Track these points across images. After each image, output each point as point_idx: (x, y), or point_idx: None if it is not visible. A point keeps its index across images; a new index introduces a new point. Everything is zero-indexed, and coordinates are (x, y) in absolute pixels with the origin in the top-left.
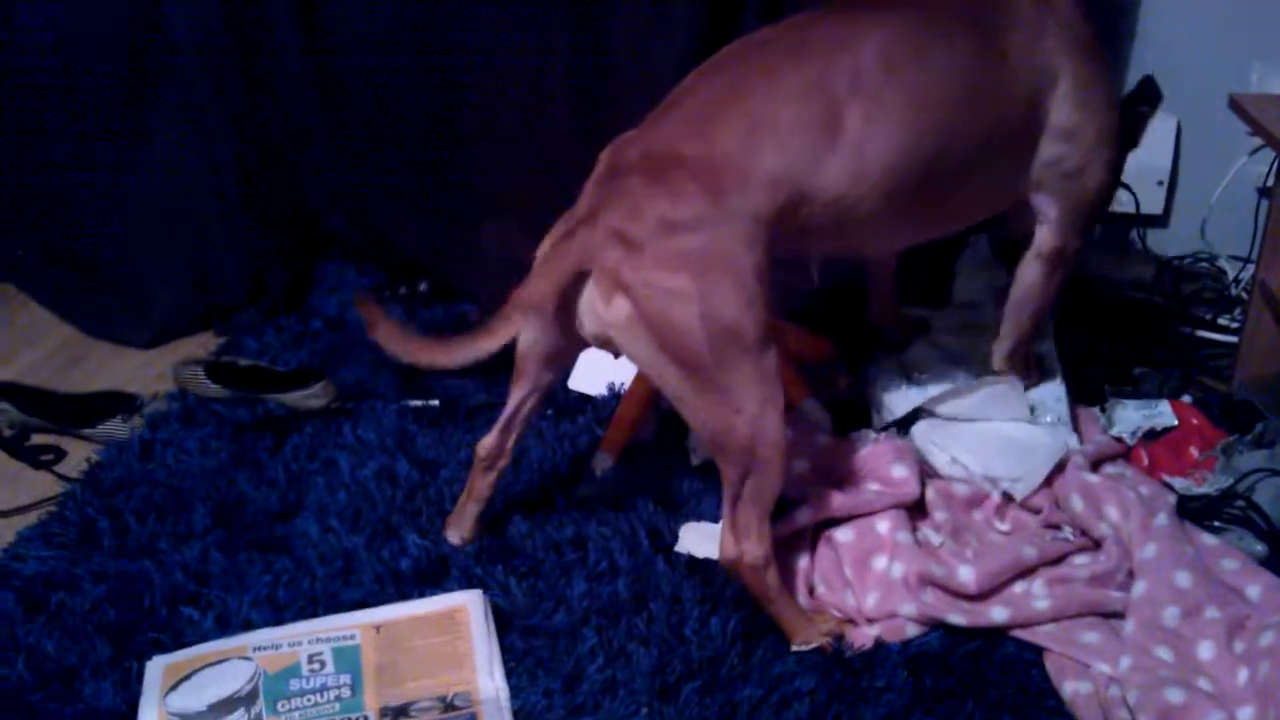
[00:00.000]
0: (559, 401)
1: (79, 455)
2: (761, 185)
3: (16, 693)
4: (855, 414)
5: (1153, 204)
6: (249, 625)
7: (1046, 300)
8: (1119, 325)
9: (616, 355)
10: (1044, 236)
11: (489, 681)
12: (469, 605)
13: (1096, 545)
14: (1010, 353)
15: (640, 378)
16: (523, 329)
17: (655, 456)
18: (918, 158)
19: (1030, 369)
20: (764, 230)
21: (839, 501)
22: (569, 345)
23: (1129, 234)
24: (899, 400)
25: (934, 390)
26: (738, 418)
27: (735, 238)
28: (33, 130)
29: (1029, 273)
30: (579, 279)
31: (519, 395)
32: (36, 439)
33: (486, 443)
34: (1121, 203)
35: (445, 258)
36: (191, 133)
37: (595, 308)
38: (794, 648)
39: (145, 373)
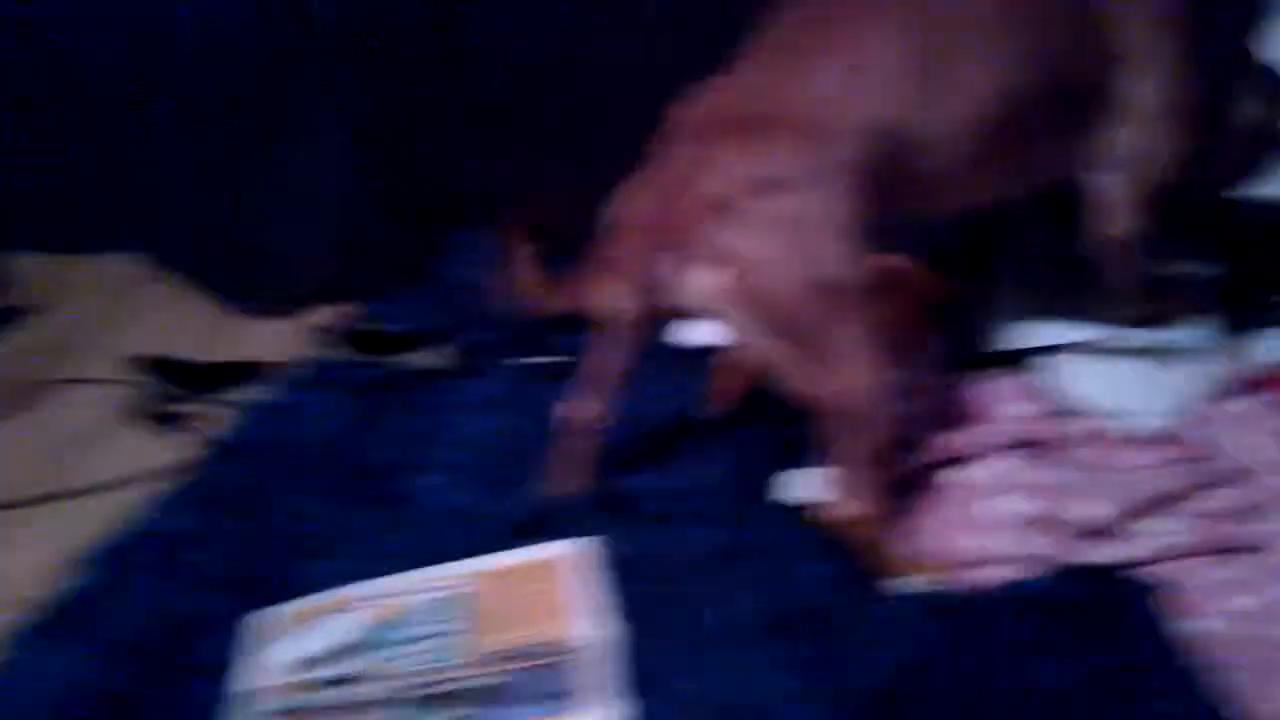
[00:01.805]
0: (668, 351)
1: (214, 421)
2: (862, 133)
3: (141, 641)
4: (981, 354)
5: None
6: (362, 577)
7: (1137, 268)
8: (1264, 248)
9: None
10: (1107, 220)
11: (594, 628)
12: (575, 553)
13: (1240, 477)
14: (1131, 304)
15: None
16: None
17: (766, 405)
18: (1013, 102)
19: (1168, 308)
20: (867, 180)
21: (959, 442)
22: (658, 313)
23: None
24: (1042, 332)
25: (1086, 331)
26: (842, 381)
27: (835, 191)
28: (178, 109)
29: (1103, 255)
30: (670, 247)
31: (610, 356)
32: (176, 407)
33: (580, 405)
34: None
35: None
36: (329, 106)
37: (691, 280)
38: (903, 590)
39: (281, 341)
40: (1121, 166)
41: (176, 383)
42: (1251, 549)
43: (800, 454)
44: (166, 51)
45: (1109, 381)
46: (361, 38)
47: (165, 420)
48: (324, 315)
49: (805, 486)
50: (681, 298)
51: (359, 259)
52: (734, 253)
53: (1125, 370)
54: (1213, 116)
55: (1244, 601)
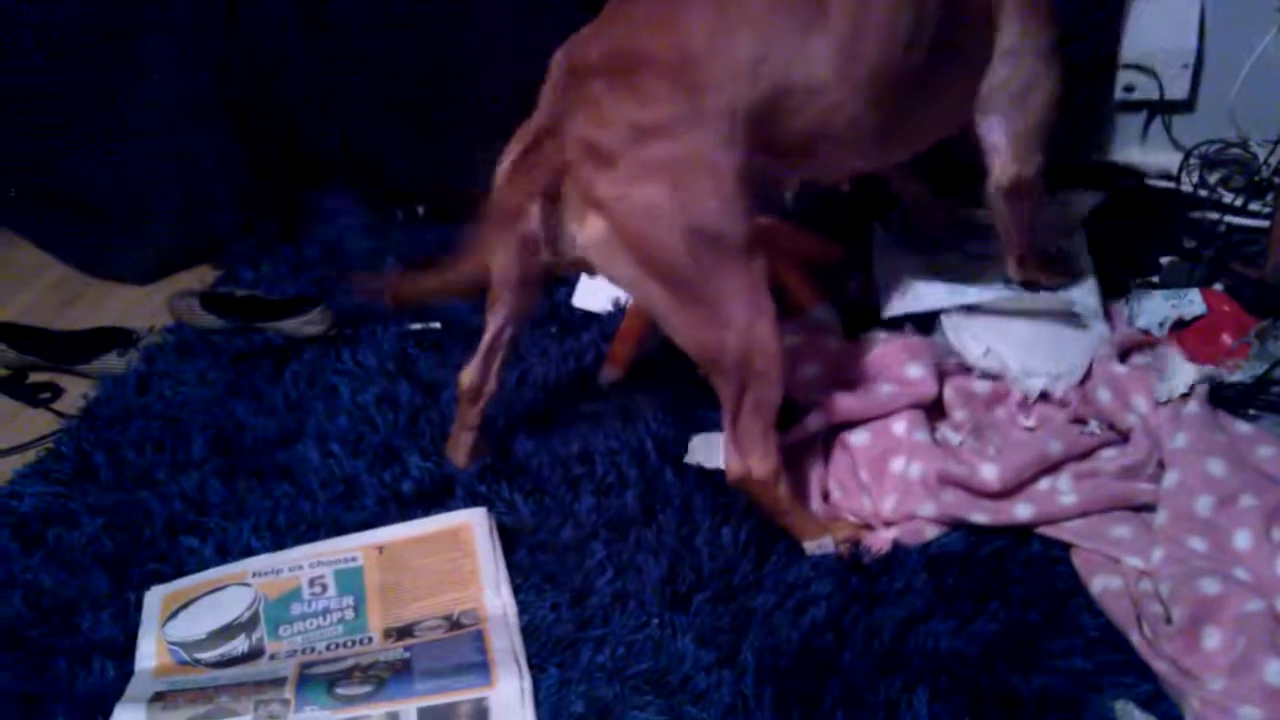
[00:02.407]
0: (562, 318)
1: (76, 392)
2: (740, 77)
3: (14, 628)
4: (867, 317)
5: (1178, 89)
6: (249, 552)
7: (1028, 221)
8: (1145, 216)
9: (593, 275)
10: (999, 168)
11: (495, 598)
12: (473, 523)
13: (1125, 438)
14: (1020, 265)
15: None
16: (492, 255)
17: (664, 369)
18: (897, 61)
19: (1052, 269)
20: (745, 128)
21: (852, 404)
22: (542, 269)
23: (1153, 122)
24: (929, 294)
25: (973, 293)
26: (728, 331)
27: (714, 138)
28: (17, 68)
29: (999, 206)
30: (548, 198)
31: (495, 323)
32: (33, 377)
33: (468, 374)
34: (1145, 89)
35: (441, 179)
36: (178, 64)
37: (568, 228)
38: (807, 551)
39: (141, 308)
40: (1000, 108)
41: (35, 353)
42: (1141, 508)
43: (705, 418)
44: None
45: (998, 342)
46: None
47: (18, 392)
48: (182, 281)
49: (708, 450)
50: (559, 247)
51: (218, 221)
52: (610, 201)
53: (1014, 331)
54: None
55: (1137, 560)
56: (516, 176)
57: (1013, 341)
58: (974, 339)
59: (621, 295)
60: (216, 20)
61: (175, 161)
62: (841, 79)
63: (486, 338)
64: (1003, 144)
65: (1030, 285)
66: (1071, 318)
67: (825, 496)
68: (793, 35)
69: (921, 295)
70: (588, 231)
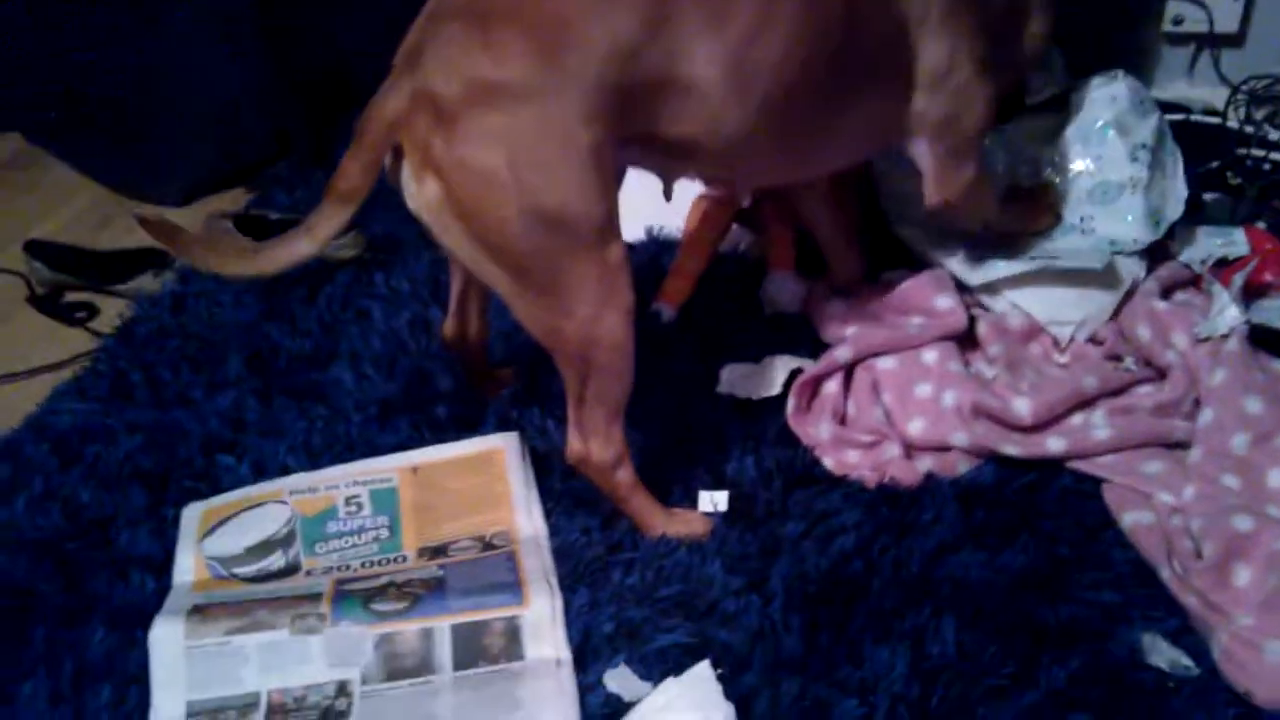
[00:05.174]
0: None
1: (112, 312)
2: (612, 50)
3: (54, 542)
4: (895, 252)
5: (1228, 21)
6: (285, 471)
7: (977, 207)
8: (1189, 151)
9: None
10: (928, 191)
11: (526, 521)
12: (506, 447)
13: (1162, 375)
14: (989, 229)
15: (706, 223)
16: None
17: (722, 307)
18: (795, 77)
19: (1033, 213)
20: (610, 108)
21: (881, 337)
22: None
23: (1200, 55)
24: (975, 271)
25: (1015, 268)
26: (567, 321)
27: (571, 109)
28: None
29: (945, 218)
30: (395, 151)
31: (458, 274)
32: (69, 297)
33: (448, 326)
34: (1195, 20)
35: None
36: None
37: (408, 186)
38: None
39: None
40: (925, 132)
41: (72, 272)
42: (1175, 445)
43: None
44: None
45: (1022, 298)
46: None
47: (55, 311)
48: (220, 202)
49: (740, 380)
50: (407, 202)
51: (253, 143)
52: (445, 165)
53: (1038, 284)
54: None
55: (1169, 496)
56: (363, 129)
57: (1037, 293)
58: (996, 294)
59: (655, 224)
60: None
61: (210, 82)
62: (729, 86)
63: (455, 287)
64: (929, 169)
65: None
66: (1096, 263)
67: (843, 420)
68: (686, 27)
69: (968, 275)
70: (423, 193)
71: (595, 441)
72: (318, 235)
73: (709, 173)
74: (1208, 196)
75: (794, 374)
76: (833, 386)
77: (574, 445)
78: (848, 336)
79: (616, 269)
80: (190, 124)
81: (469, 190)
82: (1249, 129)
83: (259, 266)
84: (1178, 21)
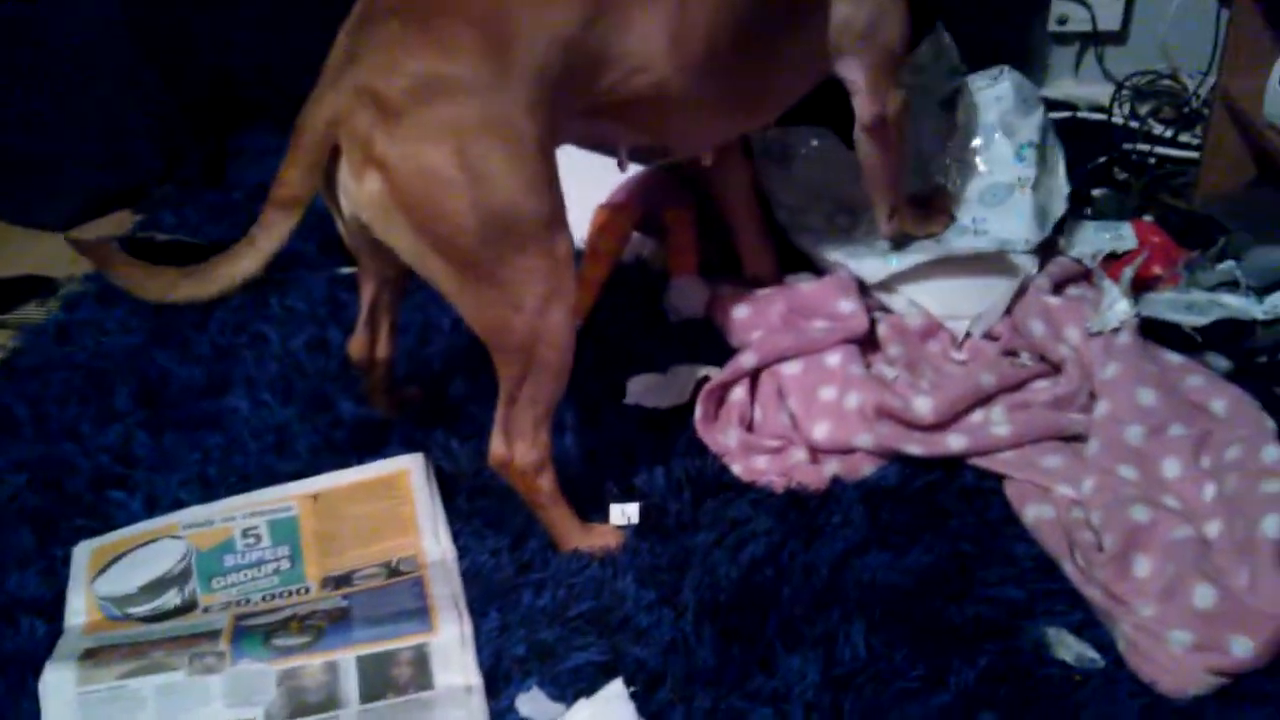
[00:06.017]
0: None
1: None
2: (554, 37)
3: None
4: (794, 258)
5: (1110, 20)
6: (179, 505)
7: (898, 160)
8: (1078, 148)
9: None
10: (861, 107)
11: (434, 544)
12: (410, 469)
13: (1056, 369)
14: (890, 218)
15: (605, 232)
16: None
17: (626, 316)
18: (729, 32)
19: (928, 217)
20: (553, 95)
21: (786, 342)
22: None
23: (1085, 53)
24: (874, 267)
25: (913, 259)
26: (515, 315)
27: (516, 103)
28: None
29: (866, 149)
30: (337, 151)
31: (368, 289)
32: None
33: (354, 344)
34: (1078, 20)
35: None
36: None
37: (347, 184)
38: (564, 552)
39: (61, 256)
40: (850, 46)
41: None
42: (1073, 438)
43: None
44: None
45: (918, 294)
46: None
47: None
48: (103, 227)
49: (647, 390)
50: (342, 204)
51: (138, 164)
52: (390, 160)
53: (933, 280)
54: None
55: (1069, 489)
56: (300, 133)
57: (933, 290)
58: (894, 293)
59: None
60: None
61: (93, 102)
62: (671, 54)
63: (365, 301)
64: (860, 81)
65: (907, 233)
66: (996, 258)
67: (750, 427)
68: (622, 5)
69: (868, 272)
70: (364, 190)
71: (521, 444)
72: (262, 248)
73: (653, 139)
74: (1096, 192)
75: (701, 382)
76: (739, 393)
77: (497, 448)
78: (753, 342)
79: (564, 262)
80: (73, 146)
81: (416, 184)
82: (1134, 124)
83: (203, 289)
84: (1062, 21)
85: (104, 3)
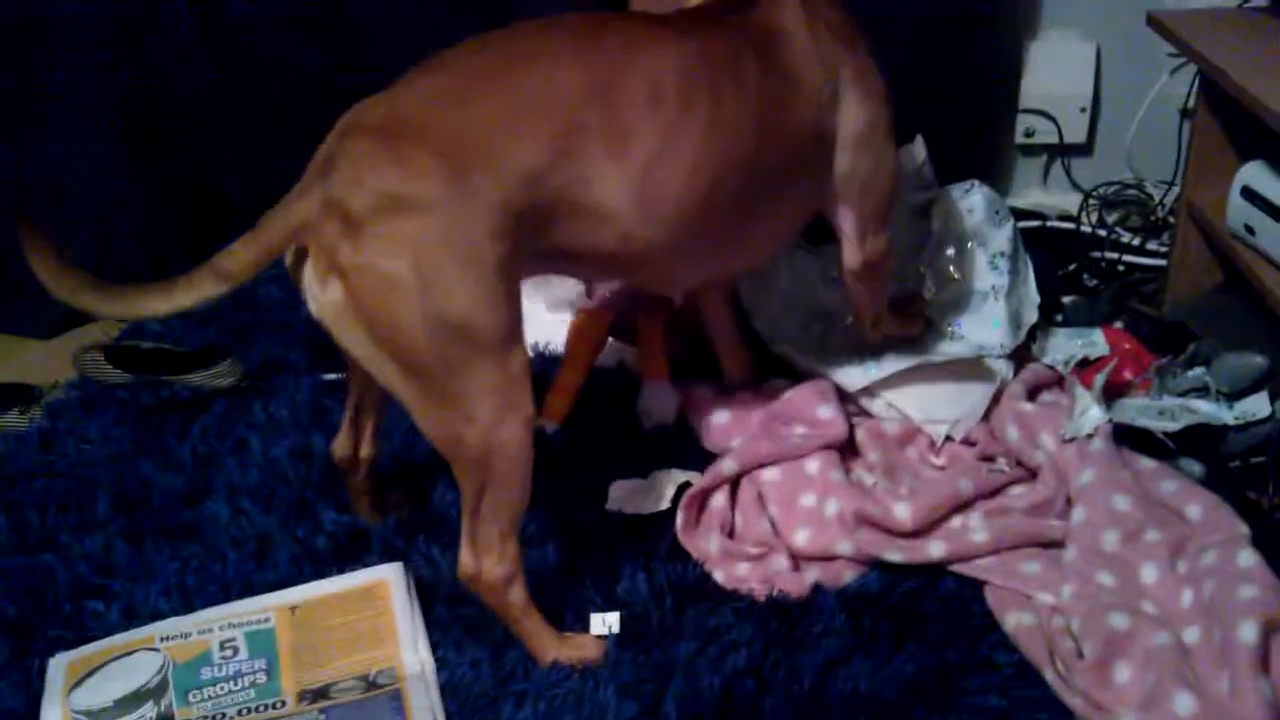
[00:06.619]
0: None
1: None
2: (516, 175)
3: None
4: (774, 363)
5: (1076, 133)
6: (157, 615)
7: (883, 291)
8: (1048, 256)
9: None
10: (849, 254)
11: (413, 656)
12: (389, 579)
13: (1033, 475)
14: (875, 326)
15: (581, 338)
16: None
17: (606, 422)
18: (717, 191)
19: (907, 319)
20: (515, 225)
21: (765, 448)
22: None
23: (1053, 165)
24: (853, 376)
25: (891, 366)
26: (469, 428)
27: (476, 223)
28: None
29: (854, 287)
30: (299, 253)
31: (355, 389)
32: None
33: (339, 444)
34: (1045, 132)
35: None
36: (79, 101)
37: (312, 290)
38: (543, 666)
39: (46, 363)
40: (849, 196)
41: None
42: (1051, 544)
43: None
44: None
45: (897, 397)
46: (112, 33)
47: None
48: (87, 334)
49: (629, 496)
50: (308, 305)
51: (120, 274)
52: (350, 269)
53: (924, 378)
54: None
55: (1049, 596)
56: (264, 226)
57: (911, 393)
58: (873, 397)
59: (541, 340)
60: (121, 67)
61: (78, 213)
62: (636, 209)
63: (350, 403)
64: (850, 230)
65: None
66: (973, 362)
67: (731, 533)
68: (589, 155)
69: (848, 380)
70: (327, 297)
71: (489, 558)
72: (175, 300)
73: (626, 280)
74: (1067, 299)
75: (682, 488)
76: (720, 499)
77: (465, 562)
78: (733, 448)
79: (518, 377)
80: (59, 251)
81: (373, 294)
82: (1102, 233)
83: (105, 306)
84: (1029, 134)
85: (98, 109)
